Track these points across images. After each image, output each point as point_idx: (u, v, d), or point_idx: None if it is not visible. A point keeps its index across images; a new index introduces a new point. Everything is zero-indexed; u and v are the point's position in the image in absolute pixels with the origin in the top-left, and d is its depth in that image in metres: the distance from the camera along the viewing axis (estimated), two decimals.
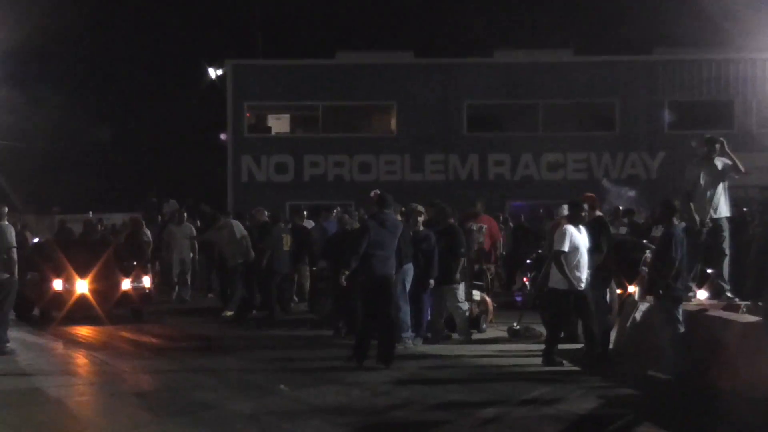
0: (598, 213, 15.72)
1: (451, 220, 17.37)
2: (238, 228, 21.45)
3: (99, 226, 30.42)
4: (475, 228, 19.29)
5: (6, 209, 16.68)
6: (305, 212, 23.40)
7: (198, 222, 26.49)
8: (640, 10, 44.66)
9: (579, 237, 14.09)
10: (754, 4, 30.60)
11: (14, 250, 16.03)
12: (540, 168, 38.26)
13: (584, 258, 14.04)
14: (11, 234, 16.00)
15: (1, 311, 15.97)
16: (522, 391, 12.34)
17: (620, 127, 38.64)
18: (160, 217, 30.05)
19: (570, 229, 14.02)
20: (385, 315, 14.07)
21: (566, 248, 13.85)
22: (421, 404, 11.53)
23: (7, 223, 16.18)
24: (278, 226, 21.06)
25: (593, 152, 38.13)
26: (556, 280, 14.13)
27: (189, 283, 24.78)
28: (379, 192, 15.04)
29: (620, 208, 23.19)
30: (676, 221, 13.42)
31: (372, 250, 13.96)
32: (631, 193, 25.16)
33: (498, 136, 39.06)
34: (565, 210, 18.52)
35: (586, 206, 14.68)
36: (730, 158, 14.66)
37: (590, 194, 16.20)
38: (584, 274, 14.05)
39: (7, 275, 15.90)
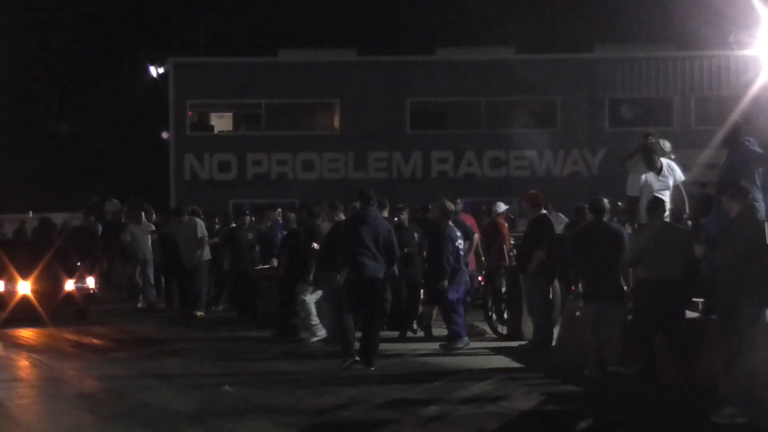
0: (543, 211, 15.82)
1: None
2: (201, 227, 21.34)
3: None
4: None
5: None
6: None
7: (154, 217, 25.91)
8: (581, 8, 45.01)
9: None
10: (692, 3, 30.91)
11: None
12: (483, 165, 38.43)
13: None
14: None
15: None
16: (466, 388, 12.42)
17: (562, 124, 38.91)
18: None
19: None
20: (367, 315, 13.89)
21: None
22: (367, 403, 11.55)
23: None
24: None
25: (535, 150, 38.31)
26: None
27: (152, 282, 23.85)
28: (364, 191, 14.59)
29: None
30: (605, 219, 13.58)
31: (358, 248, 13.70)
32: None
33: (441, 133, 39.14)
34: (500, 207, 18.68)
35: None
36: None
37: (533, 192, 16.31)
38: None
39: None
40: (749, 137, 12.65)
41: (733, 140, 12.62)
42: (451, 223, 16.19)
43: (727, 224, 11.14)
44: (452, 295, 15.96)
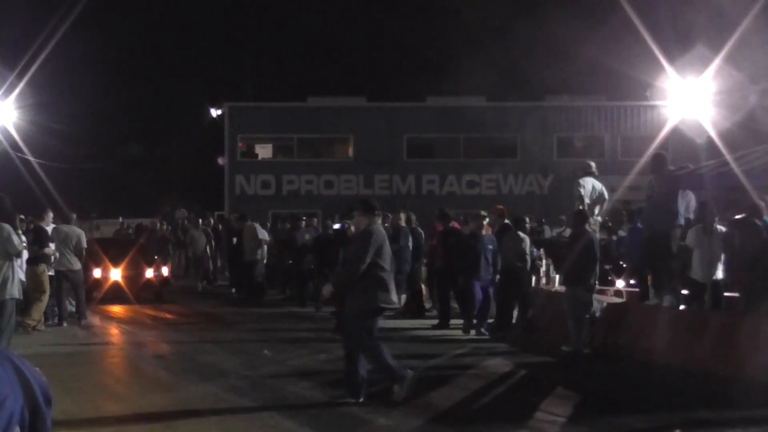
0: (507, 221, 15.65)
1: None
2: (261, 231, 20.89)
3: (127, 228, 29.93)
4: None
5: (75, 216, 16.74)
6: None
7: (212, 222, 25.35)
8: (536, 67, 44.91)
9: None
10: (619, 64, 30.89)
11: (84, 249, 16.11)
12: (461, 185, 38.39)
13: None
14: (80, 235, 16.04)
15: (79, 295, 16.12)
16: (451, 355, 12.33)
17: (521, 155, 38.86)
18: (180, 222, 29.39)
19: None
20: None
21: None
22: None
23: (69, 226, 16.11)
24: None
25: (500, 174, 38.33)
26: None
27: (207, 273, 23.72)
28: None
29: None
30: (588, 227, 12.44)
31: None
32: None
33: (429, 161, 39.13)
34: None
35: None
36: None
37: (500, 206, 16.20)
38: None
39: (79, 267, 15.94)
40: (673, 166, 12.33)
41: (658, 168, 12.20)
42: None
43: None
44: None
